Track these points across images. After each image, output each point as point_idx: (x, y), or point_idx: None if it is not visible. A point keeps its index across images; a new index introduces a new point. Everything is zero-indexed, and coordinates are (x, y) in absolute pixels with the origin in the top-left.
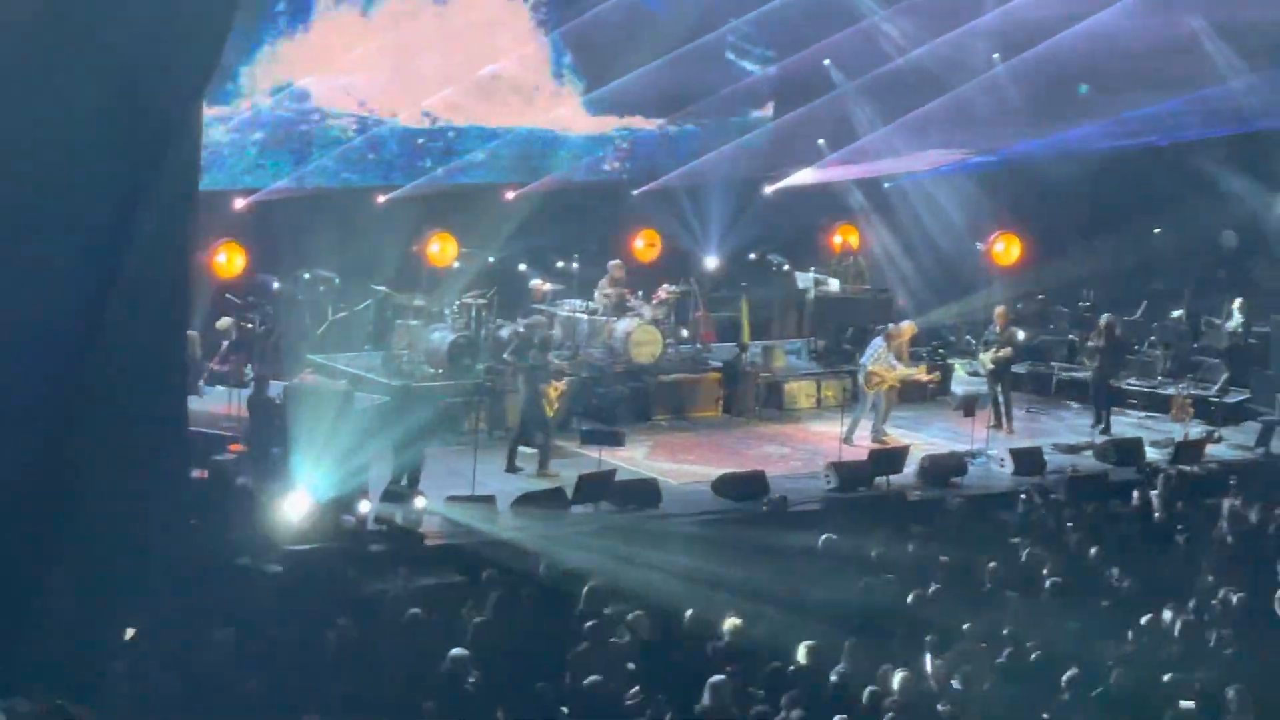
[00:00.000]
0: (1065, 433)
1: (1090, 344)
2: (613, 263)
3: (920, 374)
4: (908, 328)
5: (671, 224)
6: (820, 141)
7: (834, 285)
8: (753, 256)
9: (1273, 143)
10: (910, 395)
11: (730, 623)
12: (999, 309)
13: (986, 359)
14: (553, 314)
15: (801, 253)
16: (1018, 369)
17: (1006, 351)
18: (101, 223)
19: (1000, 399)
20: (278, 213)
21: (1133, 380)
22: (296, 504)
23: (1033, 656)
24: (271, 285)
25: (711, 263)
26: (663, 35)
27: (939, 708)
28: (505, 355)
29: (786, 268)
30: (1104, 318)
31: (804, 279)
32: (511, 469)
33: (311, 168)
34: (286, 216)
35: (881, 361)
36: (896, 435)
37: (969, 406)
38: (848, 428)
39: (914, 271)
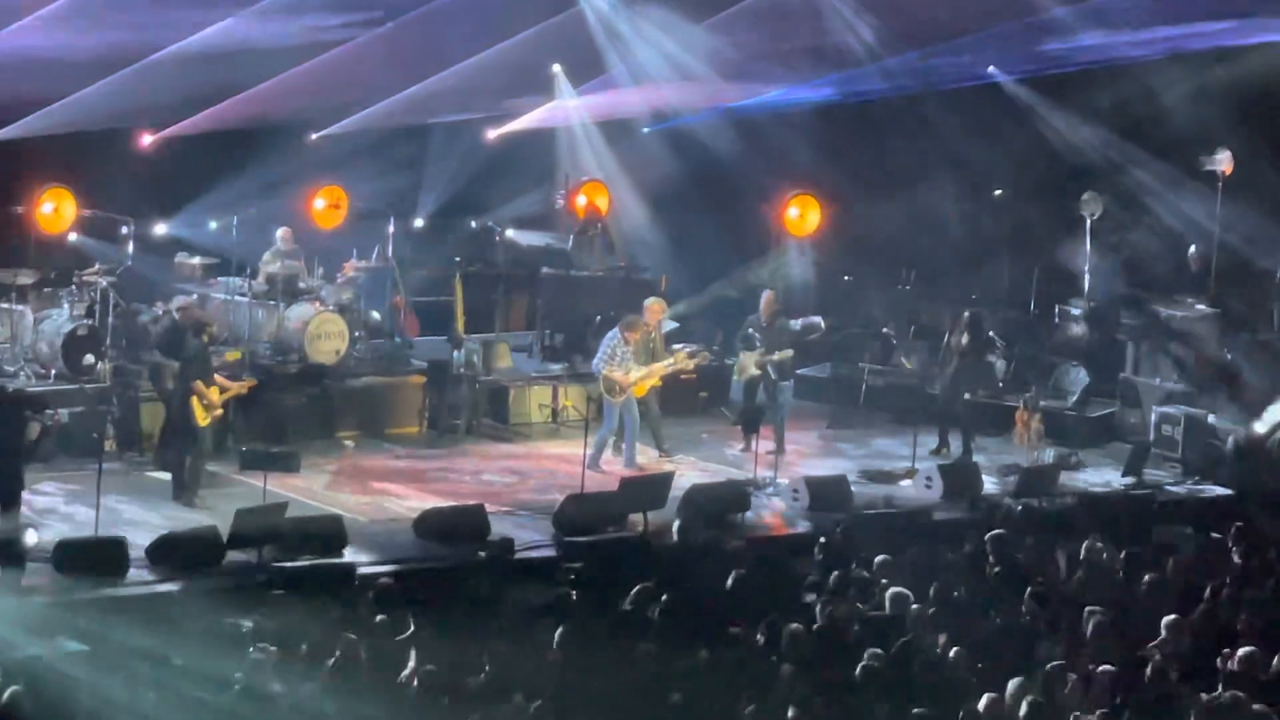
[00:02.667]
0: (878, 457)
1: (950, 341)
2: (281, 230)
3: (675, 364)
4: (655, 306)
5: (363, 178)
6: (556, 69)
7: (575, 260)
8: (474, 224)
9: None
10: (675, 405)
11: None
12: (766, 294)
13: (750, 361)
14: (205, 296)
15: (534, 218)
16: (816, 372)
17: (785, 354)
18: None
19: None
20: None
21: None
22: None
23: None
24: None
25: (414, 230)
26: None
27: None
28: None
29: (512, 236)
30: (967, 312)
31: (535, 252)
32: (189, 500)
33: None
34: None
35: (618, 363)
36: (669, 459)
37: (751, 420)
38: (593, 449)
39: (681, 244)
